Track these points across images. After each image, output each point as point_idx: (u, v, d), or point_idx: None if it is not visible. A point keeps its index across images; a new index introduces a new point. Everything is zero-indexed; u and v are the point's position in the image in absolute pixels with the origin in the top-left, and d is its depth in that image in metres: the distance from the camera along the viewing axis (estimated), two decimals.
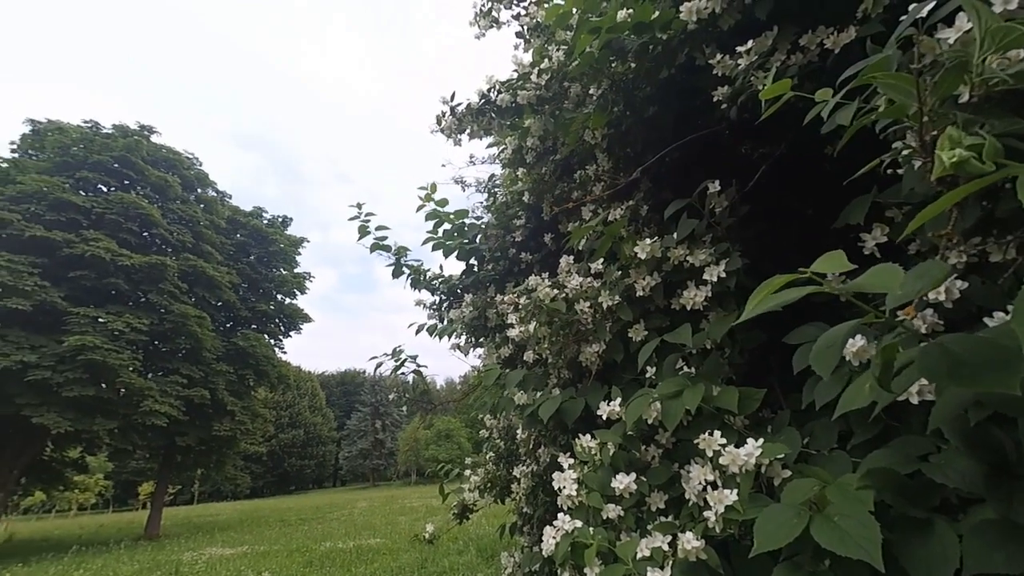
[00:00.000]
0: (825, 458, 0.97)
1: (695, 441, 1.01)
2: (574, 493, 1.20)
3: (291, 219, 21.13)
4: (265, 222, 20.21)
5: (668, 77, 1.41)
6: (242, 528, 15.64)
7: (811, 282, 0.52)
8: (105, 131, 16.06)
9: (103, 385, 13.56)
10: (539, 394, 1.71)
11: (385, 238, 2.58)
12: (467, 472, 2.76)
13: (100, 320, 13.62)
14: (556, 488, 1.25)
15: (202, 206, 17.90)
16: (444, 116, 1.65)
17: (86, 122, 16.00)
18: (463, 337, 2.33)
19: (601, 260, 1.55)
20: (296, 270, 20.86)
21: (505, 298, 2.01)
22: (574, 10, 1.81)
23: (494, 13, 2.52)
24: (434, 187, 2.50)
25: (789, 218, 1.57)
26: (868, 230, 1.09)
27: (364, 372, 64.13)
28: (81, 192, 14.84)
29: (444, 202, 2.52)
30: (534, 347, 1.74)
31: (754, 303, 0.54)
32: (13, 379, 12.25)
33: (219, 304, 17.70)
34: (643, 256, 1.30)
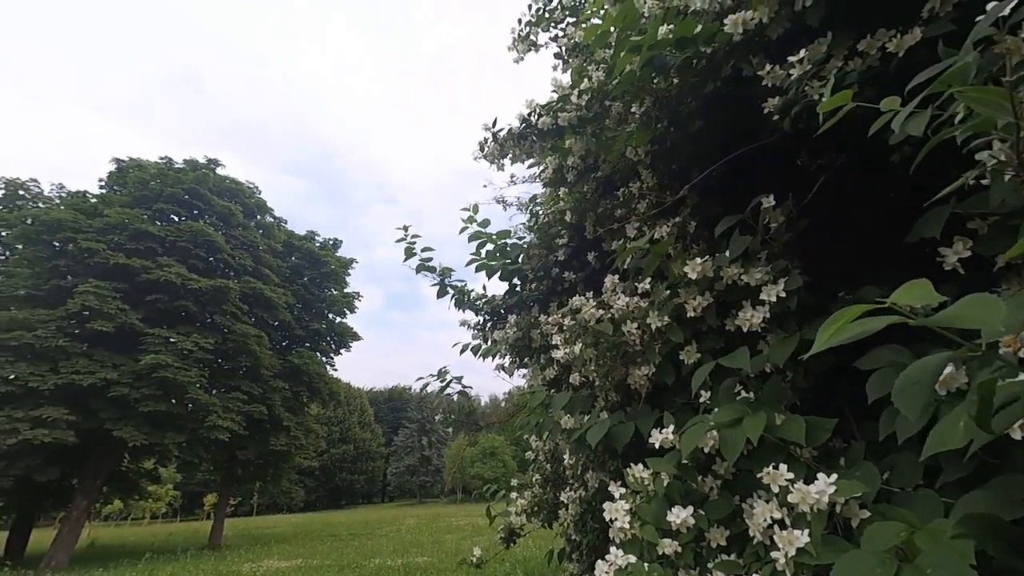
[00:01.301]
0: (910, 497, 0.88)
1: (758, 475, 0.94)
2: (627, 525, 1.14)
3: (341, 241, 22.13)
4: (317, 245, 21.26)
5: (714, 90, 1.37)
6: (296, 541, 16.14)
7: (891, 311, 0.48)
8: (177, 166, 17.54)
9: (173, 401, 14.54)
10: (586, 418, 1.66)
11: (430, 259, 2.64)
12: (513, 495, 2.73)
13: (171, 340, 14.69)
14: (607, 519, 1.20)
15: (261, 231, 19.08)
16: (487, 142, 1.68)
17: (161, 158, 17.56)
18: (507, 358, 2.32)
19: (648, 279, 1.50)
20: (346, 290, 21.72)
21: (549, 319, 1.99)
22: (612, 29, 1.81)
23: (532, 37, 2.56)
24: (476, 209, 2.54)
25: (852, 232, 1.47)
26: (945, 243, 0.99)
27: (411, 389, 65.39)
28: (157, 222, 16.22)
29: (486, 223, 2.55)
30: (580, 369, 1.70)
31: (827, 335, 0.49)
32: (98, 395, 13.38)
33: (276, 324, 18.66)
34: (694, 276, 1.24)
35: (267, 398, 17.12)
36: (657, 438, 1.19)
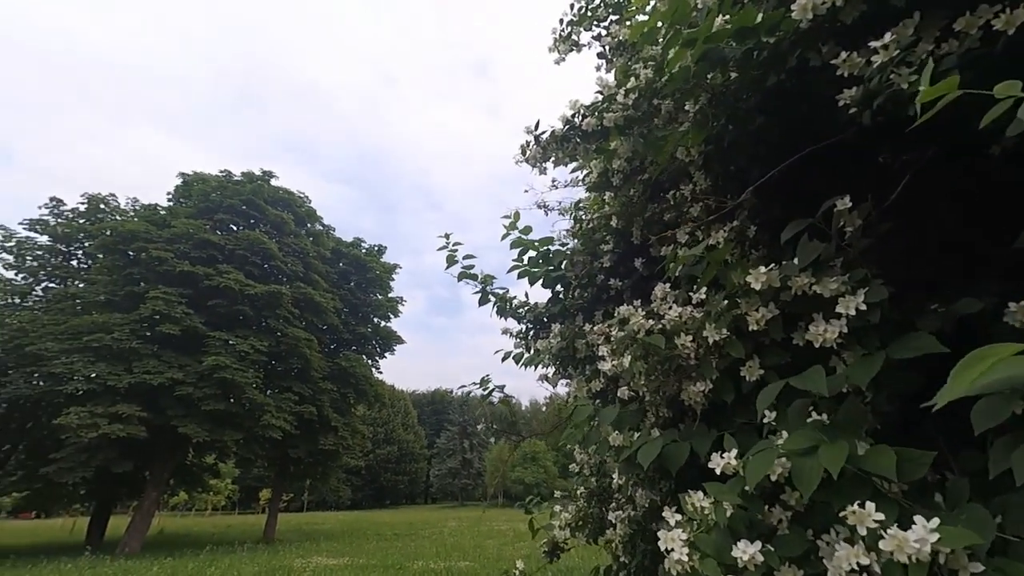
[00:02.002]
0: None
1: (841, 515, 0.84)
2: (684, 558, 1.05)
3: (385, 247, 22.78)
4: (363, 251, 21.97)
5: (776, 83, 1.26)
6: (344, 539, 16.64)
7: None
8: (236, 178, 18.64)
9: (231, 400, 15.40)
10: (636, 435, 1.57)
11: (472, 267, 2.62)
12: (557, 508, 2.65)
13: (231, 342, 15.58)
14: (662, 549, 1.11)
15: (311, 239, 19.93)
16: (529, 146, 1.63)
17: (221, 171, 18.72)
18: (550, 368, 2.26)
19: (704, 288, 1.40)
20: (390, 295, 22.32)
21: (595, 328, 1.91)
22: (660, 23, 1.72)
23: (574, 37, 2.50)
24: (517, 215, 2.50)
25: (936, 234, 1.31)
26: None
27: (453, 392, 66.29)
28: (217, 232, 17.29)
29: (528, 229, 2.50)
30: (629, 383, 1.61)
31: (967, 380, 0.41)
32: (166, 394, 14.36)
33: (324, 327, 19.41)
34: (757, 286, 1.14)
35: (316, 399, 17.82)
36: (718, 463, 1.10)
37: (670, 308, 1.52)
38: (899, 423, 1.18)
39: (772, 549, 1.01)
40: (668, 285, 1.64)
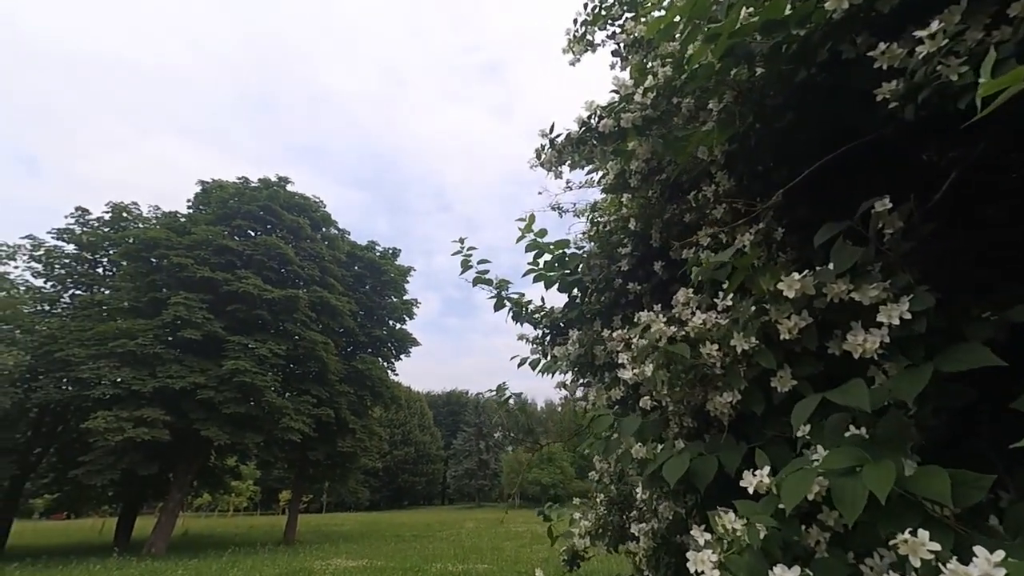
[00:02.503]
0: None
1: (891, 544, 0.77)
2: None
3: (400, 250, 22.93)
4: (378, 254, 22.14)
5: (806, 78, 1.19)
6: (362, 540, 16.77)
7: None
8: (253, 185, 18.94)
9: (251, 403, 15.63)
10: (659, 447, 1.51)
11: (487, 272, 2.58)
12: (577, 515, 2.60)
13: (250, 347, 15.82)
14: (691, 571, 1.06)
15: (326, 243, 20.15)
16: (544, 149, 1.59)
17: (239, 178, 19.05)
18: (568, 374, 2.21)
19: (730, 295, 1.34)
20: (405, 297, 22.44)
21: (614, 334, 1.86)
22: (677, 18, 1.66)
23: (589, 37, 2.45)
24: (532, 219, 2.45)
25: (981, 236, 1.23)
26: None
27: (468, 393, 66.52)
28: (236, 237, 17.58)
29: (543, 232, 2.46)
30: (651, 392, 1.56)
31: None
32: (188, 397, 14.64)
33: (341, 331, 19.59)
34: (791, 294, 1.08)
35: (334, 401, 17.99)
36: (750, 481, 1.04)
37: (693, 314, 1.46)
38: (946, 438, 1.10)
39: (811, 574, 0.94)
40: (691, 290, 1.58)
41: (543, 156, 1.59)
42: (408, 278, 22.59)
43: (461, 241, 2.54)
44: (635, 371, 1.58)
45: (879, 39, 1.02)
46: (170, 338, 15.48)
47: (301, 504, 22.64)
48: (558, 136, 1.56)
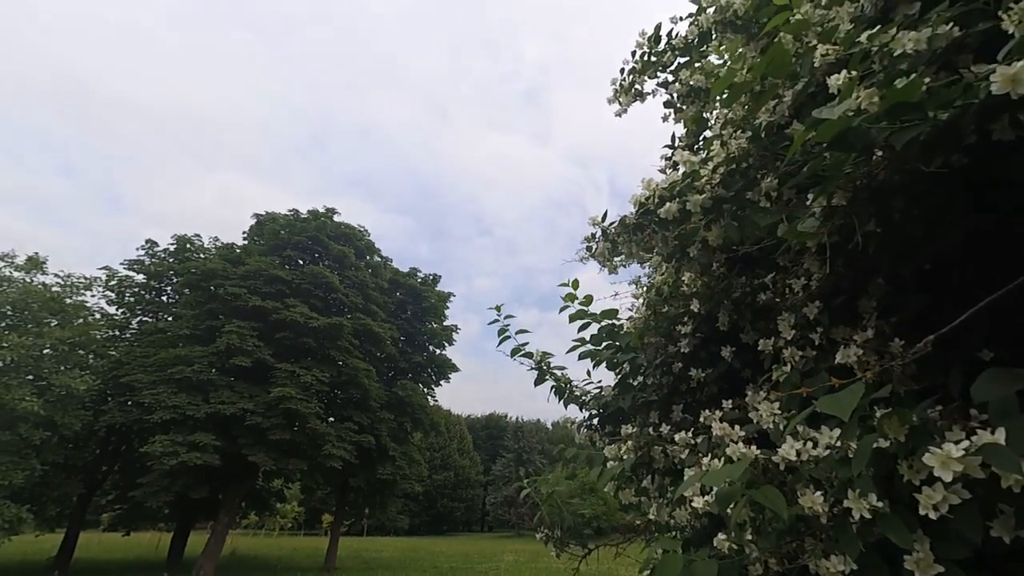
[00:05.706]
0: None
1: None
2: None
3: (440, 276, 23.17)
4: (419, 280, 22.45)
5: (941, 164, 0.92)
6: (400, 570, 16.53)
7: None
8: (302, 216, 19.78)
9: (296, 429, 15.93)
10: None
11: (526, 344, 2.37)
12: None
13: (296, 373, 16.22)
14: None
15: (370, 271, 20.64)
16: (595, 239, 1.37)
17: (290, 211, 19.95)
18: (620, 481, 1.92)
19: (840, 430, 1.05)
20: (445, 323, 22.54)
21: (676, 437, 1.58)
22: (744, 73, 1.42)
23: (637, 86, 2.24)
24: (576, 284, 2.22)
25: None
26: None
27: (507, 416, 65.75)
28: (285, 267, 18.31)
29: (589, 300, 2.22)
30: (729, 536, 1.27)
31: None
32: (237, 423, 15.10)
33: (382, 357, 19.83)
34: (948, 477, 0.78)
35: (375, 428, 18.08)
36: None
37: (788, 446, 1.17)
38: None
39: None
40: (777, 405, 1.29)
41: (595, 248, 1.37)
42: (448, 303, 22.72)
43: (498, 309, 2.34)
44: (707, 500, 1.30)
45: None
46: (223, 364, 16.12)
47: (342, 527, 22.71)
48: (611, 224, 1.34)
